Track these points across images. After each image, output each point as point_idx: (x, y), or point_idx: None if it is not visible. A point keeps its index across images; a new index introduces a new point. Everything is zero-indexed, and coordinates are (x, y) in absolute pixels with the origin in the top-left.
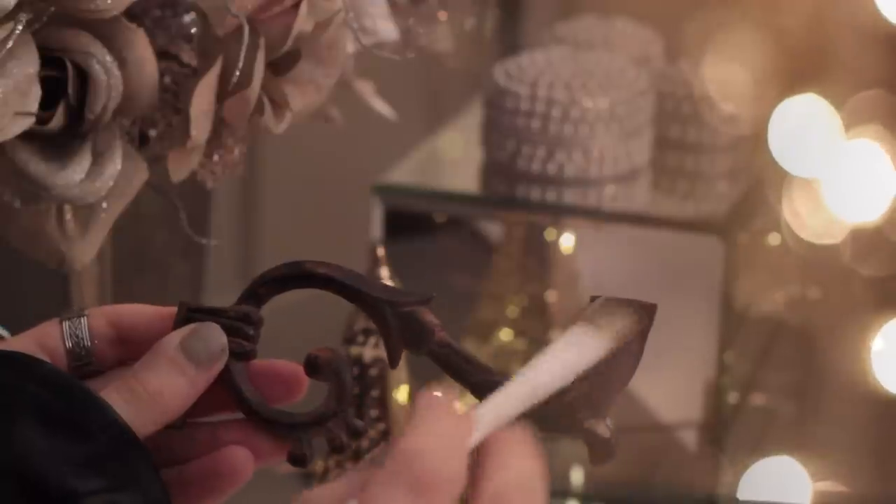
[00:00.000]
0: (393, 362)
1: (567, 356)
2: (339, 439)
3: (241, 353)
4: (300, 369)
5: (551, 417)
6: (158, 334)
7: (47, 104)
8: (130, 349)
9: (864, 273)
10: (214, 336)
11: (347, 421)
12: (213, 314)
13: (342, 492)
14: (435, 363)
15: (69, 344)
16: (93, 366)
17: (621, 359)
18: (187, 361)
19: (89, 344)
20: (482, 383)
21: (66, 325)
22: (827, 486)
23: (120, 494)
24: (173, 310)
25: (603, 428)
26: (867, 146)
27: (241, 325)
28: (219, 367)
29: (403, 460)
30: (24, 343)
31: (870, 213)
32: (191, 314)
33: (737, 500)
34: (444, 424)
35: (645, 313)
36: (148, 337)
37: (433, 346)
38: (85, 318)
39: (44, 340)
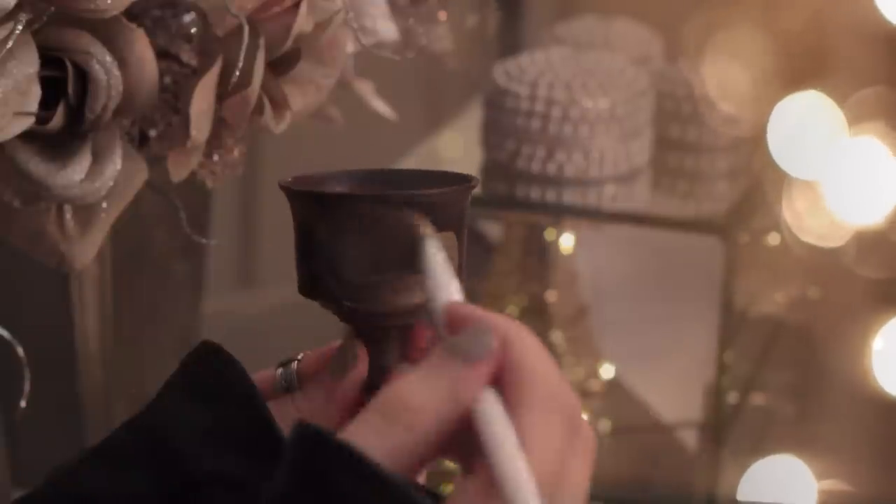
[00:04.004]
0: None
1: None
2: None
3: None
4: None
5: None
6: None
7: (47, 104)
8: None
9: (866, 275)
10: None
11: None
12: None
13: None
14: None
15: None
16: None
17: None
18: None
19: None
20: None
21: (279, 371)
22: (831, 484)
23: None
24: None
25: None
26: (870, 144)
27: None
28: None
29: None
30: None
31: (873, 215)
32: None
33: (736, 500)
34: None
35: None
36: None
37: None
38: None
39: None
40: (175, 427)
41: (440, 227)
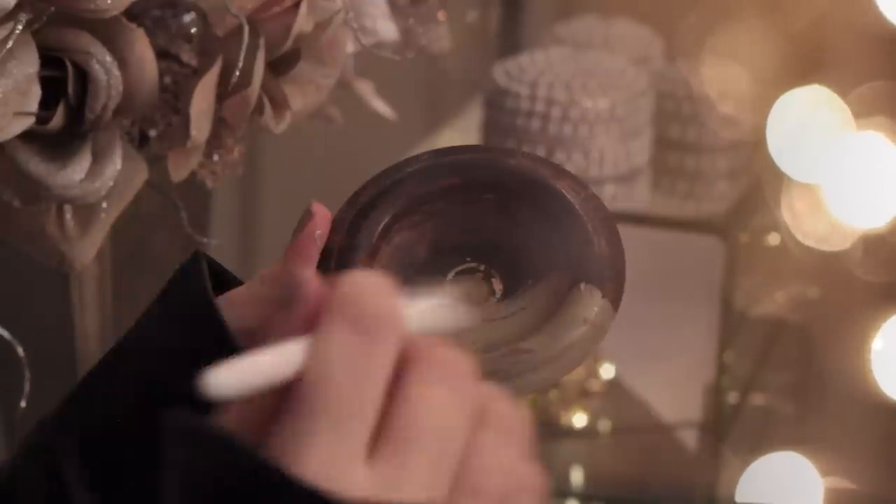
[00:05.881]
0: None
1: None
2: None
3: None
4: None
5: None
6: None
7: (47, 104)
8: None
9: (870, 279)
10: None
11: None
12: None
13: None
14: None
15: None
16: None
17: None
18: None
19: None
20: None
21: None
22: (834, 482)
23: None
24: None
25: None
26: (873, 140)
27: None
28: None
29: (342, 300)
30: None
31: (877, 219)
32: None
33: (736, 500)
34: (373, 279)
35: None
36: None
37: None
38: None
39: None
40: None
41: None
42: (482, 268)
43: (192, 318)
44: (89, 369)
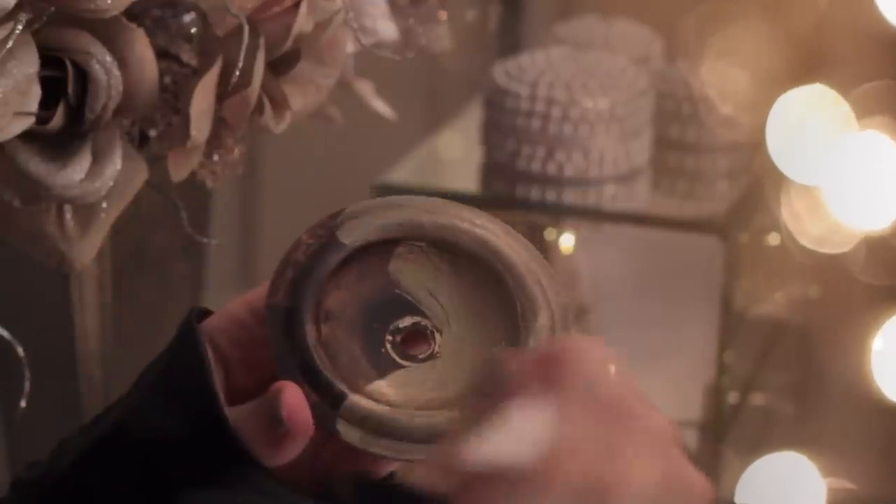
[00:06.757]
0: None
1: None
2: None
3: None
4: None
5: None
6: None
7: (47, 104)
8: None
9: (871, 282)
10: None
11: None
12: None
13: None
14: None
15: None
16: None
17: None
18: None
19: None
20: None
21: None
22: (835, 482)
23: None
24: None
25: None
26: (873, 140)
27: None
28: None
29: None
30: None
31: (878, 221)
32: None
33: (736, 500)
34: None
35: None
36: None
37: None
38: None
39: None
40: (151, 438)
41: None
42: (424, 323)
43: (196, 414)
44: (84, 444)
